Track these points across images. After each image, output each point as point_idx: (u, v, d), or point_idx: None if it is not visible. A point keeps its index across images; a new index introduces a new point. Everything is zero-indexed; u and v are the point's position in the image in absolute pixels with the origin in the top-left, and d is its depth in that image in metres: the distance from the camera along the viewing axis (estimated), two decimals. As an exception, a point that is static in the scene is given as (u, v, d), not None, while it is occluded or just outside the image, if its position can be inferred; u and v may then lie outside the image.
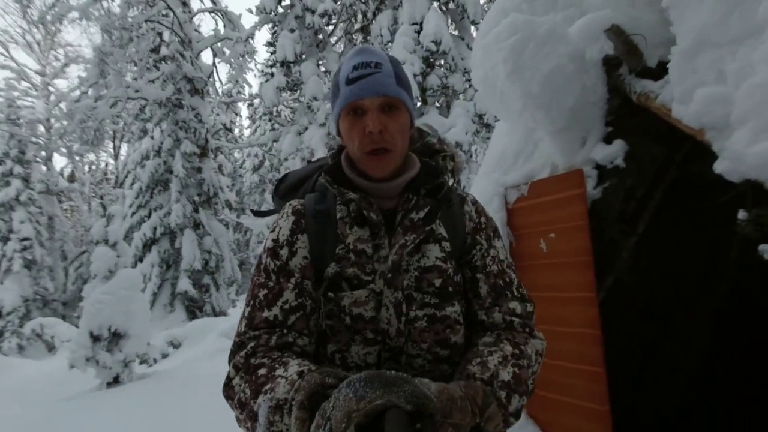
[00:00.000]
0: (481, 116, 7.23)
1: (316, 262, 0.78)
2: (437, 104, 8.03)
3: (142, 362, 6.74)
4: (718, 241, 2.22)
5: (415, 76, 7.37)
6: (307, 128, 9.02)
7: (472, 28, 7.88)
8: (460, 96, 7.50)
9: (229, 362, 0.72)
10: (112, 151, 20.53)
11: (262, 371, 0.66)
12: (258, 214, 1.08)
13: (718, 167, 1.37)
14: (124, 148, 19.47)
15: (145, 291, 10.64)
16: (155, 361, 7.27)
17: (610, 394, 1.91)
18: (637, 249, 2.00)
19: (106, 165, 22.82)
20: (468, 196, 0.88)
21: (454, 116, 7.25)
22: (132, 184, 13.34)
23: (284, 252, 0.79)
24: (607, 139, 2.04)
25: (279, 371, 0.65)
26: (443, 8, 8.05)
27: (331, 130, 0.98)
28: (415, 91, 7.26)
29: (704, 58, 1.42)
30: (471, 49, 7.87)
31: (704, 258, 2.29)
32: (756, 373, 2.18)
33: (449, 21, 8.07)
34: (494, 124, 8.14)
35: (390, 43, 8.72)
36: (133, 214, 12.43)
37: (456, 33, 8.05)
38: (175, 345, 8.31)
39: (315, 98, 8.80)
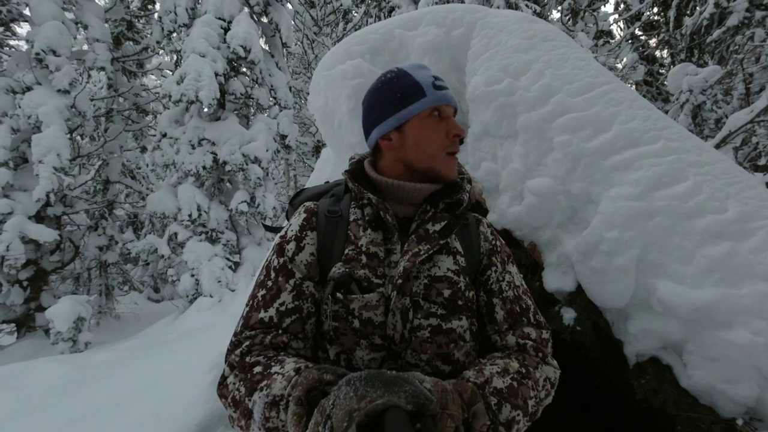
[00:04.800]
0: (284, 137, 7.27)
1: (323, 261, 0.76)
2: (236, 113, 7.49)
3: None
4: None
5: (216, 75, 6.66)
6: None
7: (284, 50, 7.99)
8: (265, 112, 7.31)
9: (226, 361, 0.71)
10: None
11: (258, 369, 0.65)
12: (269, 228, 1.05)
13: (489, 218, 1.99)
14: None
15: None
16: None
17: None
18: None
19: None
20: (483, 219, 0.91)
21: (256, 130, 6.96)
22: None
23: (291, 247, 0.77)
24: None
25: (275, 368, 0.63)
26: (255, 18, 7.79)
27: (379, 126, 0.82)
28: (215, 92, 6.55)
29: (485, 143, 2.07)
30: (280, 68, 7.94)
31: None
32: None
33: (260, 32, 7.87)
34: (296, 147, 8.37)
35: (186, 27, 7.59)
36: None
37: (267, 48, 7.91)
38: None
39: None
